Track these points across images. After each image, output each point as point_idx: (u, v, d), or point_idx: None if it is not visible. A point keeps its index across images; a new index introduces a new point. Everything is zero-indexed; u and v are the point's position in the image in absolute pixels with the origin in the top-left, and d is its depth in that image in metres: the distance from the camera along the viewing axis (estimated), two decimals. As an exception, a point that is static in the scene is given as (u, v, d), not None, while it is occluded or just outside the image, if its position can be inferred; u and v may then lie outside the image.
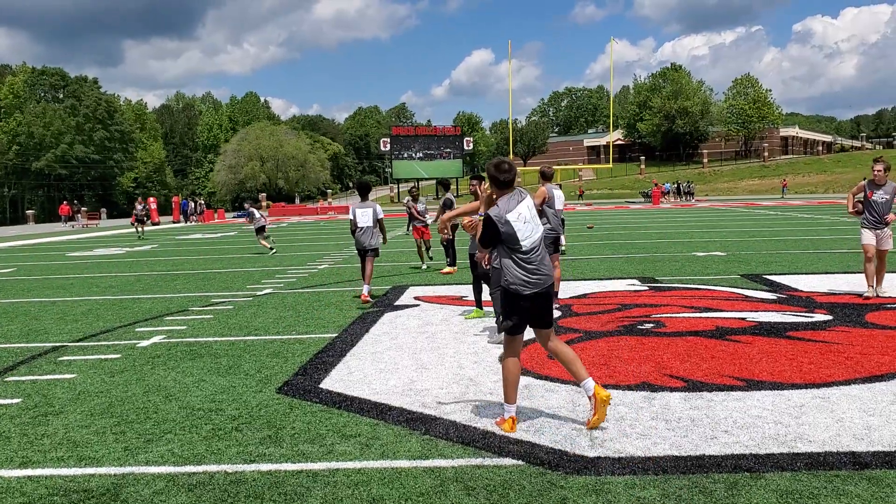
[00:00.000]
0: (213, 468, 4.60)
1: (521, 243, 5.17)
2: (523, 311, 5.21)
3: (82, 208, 63.15)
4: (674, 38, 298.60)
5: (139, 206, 36.26)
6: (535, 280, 5.16)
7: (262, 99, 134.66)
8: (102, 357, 7.94)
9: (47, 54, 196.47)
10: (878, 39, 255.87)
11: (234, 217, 64.71)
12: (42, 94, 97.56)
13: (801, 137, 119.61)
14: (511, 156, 66.96)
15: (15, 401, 6.29)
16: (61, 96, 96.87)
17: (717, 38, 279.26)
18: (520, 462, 4.55)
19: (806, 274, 12.84)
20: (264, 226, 21.93)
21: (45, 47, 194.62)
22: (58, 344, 8.76)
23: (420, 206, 17.07)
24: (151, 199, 58.35)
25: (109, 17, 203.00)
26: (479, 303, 9.68)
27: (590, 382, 5.15)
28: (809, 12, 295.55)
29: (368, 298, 11.25)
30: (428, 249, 16.84)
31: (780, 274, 12.90)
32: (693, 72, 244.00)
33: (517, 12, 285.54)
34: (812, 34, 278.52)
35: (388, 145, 78.18)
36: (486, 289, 8.98)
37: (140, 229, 35.65)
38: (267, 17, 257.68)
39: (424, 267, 16.00)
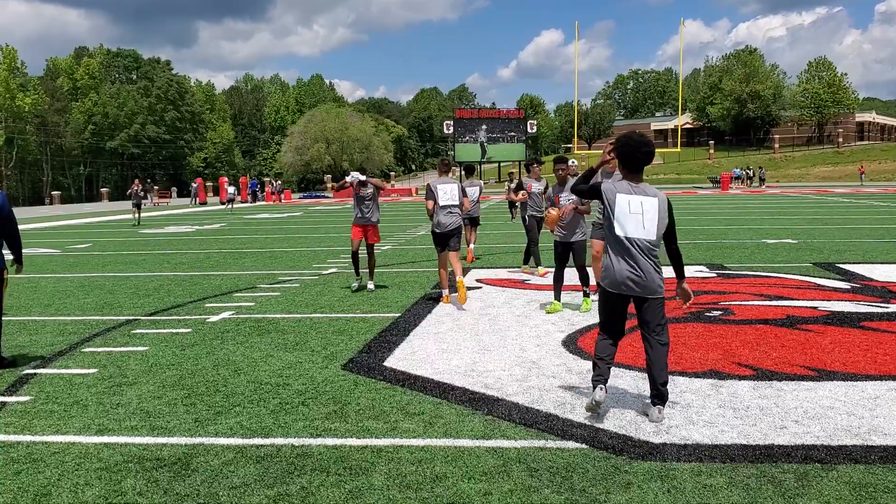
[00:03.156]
0: (280, 441, 4.69)
1: (439, 203, 9.45)
2: (437, 240, 9.57)
3: (154, 187, 64.83)
4: (750, 18, 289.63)
5: (136, 188, 30.56)
6: (442, 224, 9.45)
7: (327, 81, 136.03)
8: (173, 331, 8.17)
9: (123, 35, 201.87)
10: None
11: (299, 198, 65.68)
12: (116, 76, 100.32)
13: (878, 123, 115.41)
14: (575, 139, 66.30)
15: (91, 371, 6.51)
16: (134, 77, 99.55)
17: (795, 18, 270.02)
18: (583, 446, 4.53)
19: (881, 263, 12.42)
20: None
21: (121, 29, 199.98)
22: (131, 317, 9.04)
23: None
24: (223, 178, 59.64)
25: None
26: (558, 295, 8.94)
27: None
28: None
29: (474, 258, 14.12)
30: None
31: (854, 263, 12.51)
32: (768, 54, 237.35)
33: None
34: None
35: (452, 128, 78.12)
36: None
37: (136, 215, 30.00)
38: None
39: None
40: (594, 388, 4.95)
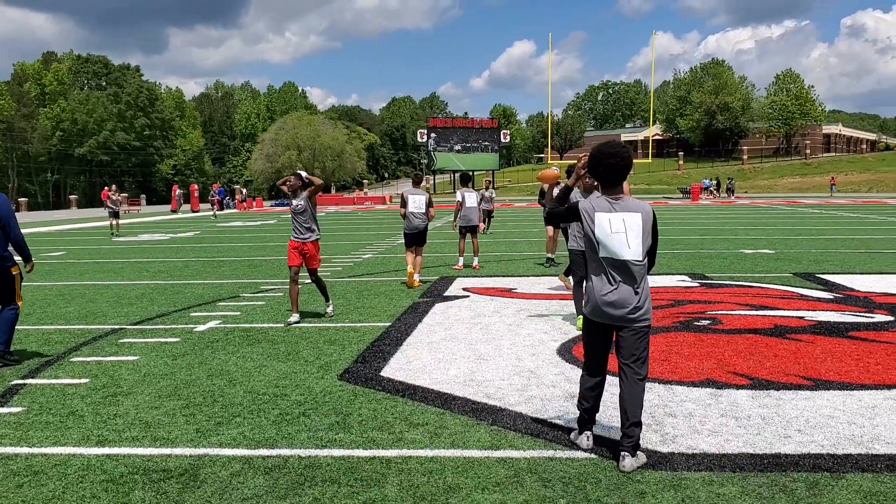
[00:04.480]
0: (286, 452, 4.64)
1: (409, 209, 12.03)
2: (406, 237, 12.12)
3: (122, 194, 63.94)
4: (719, 31, 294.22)
5: (114, 197, 27.71)
6: (410, 226, 12.05)
7: (299, 89, 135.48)
8: (162, 340, 8.06)
9: (93, 41, 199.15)
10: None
11: (271, 206, 65.33)
12: (86, 82, 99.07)
13: (844, 135, 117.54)
14: (549, 149, 66.75)
15: (83, 381, 6.40)
16: (104, 84, 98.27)
17: (764, 31, 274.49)
18: (592, 455, 4.53)
19: (861, 274, 12.62)
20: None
21: (90, 34, 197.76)
22: (116, 326, 8.90)
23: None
24: (193, 185, 59.10)
25: (155, 3, 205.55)
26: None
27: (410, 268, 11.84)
28: (860, 6, 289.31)
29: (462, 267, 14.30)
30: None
31: (834, 273, 12.69)
32: (737, 66, 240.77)
33: (562, 3, 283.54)
34: (862, 29, 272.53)
35: (426, 136, 78.21)
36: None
37: (115, 223, 27.59)
38: (310, 6, 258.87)
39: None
40: (580, 432, 4.72)
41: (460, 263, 14.30)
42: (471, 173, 16.59)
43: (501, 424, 5.12)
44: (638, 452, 4.39)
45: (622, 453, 4.34)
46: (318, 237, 9.28)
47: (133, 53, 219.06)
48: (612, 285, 4.39)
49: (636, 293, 4.37)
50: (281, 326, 8.75)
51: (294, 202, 9.18)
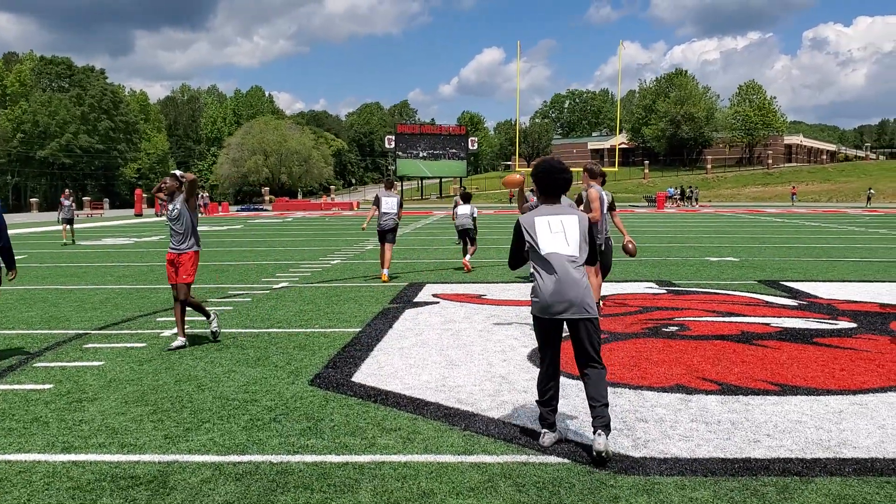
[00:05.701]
0: (257, 458, 4.58)
1: (382, 209, 13.30)
2: (379, 235, 13.43)
3: (84, 198, 63.03)
4: (685, 41, 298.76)
5: (66, 203, 25.02)
6: (382, 224, 13.30)
7: (266, 93, 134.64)
8: (128, 345, 7.93)
9: (57, 42, 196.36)
10: (893, 49, 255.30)
11: (237, 210, 64.81)
12: (48, 83, 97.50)
13: (805, 146, 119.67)
14: (516, 157, 67.10)
15: (47, 386, 6.27)
16: (67, 86, 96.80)
17: (729, 42, 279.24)
18: (565, 460, 4.54)
19: (823, 281, 12.84)
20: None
21: (55, 35, 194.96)
22: (80, 331, 8.75)
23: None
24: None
25: (122, 5, 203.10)
26: None
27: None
28: (822, 20, 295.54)
29: (470, 268, 14.98)
30: None
31: (797, 281, 12.89)
32: (703, 77, 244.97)
33: (532, 11, 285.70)
34: (824, 42, 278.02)
35: (393, 143, 78.11)
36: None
37: (68, 230, 24.60)
38: (279, 10, 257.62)
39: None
40: (542, 428, 4.89)
41: (466, 259, 15.28)
42: (470, 193, 17.52)
43: (474, 430, 5.11)
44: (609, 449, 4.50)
45: (596, 432, 4.50)
46: (196, 248, 8.14)
47: (99, 56, 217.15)
48: (556, 282, 4.65)
49: (578, 287, 4.66)
50: (249, 331, 8.67)
51: (170, 206, 8.01)
